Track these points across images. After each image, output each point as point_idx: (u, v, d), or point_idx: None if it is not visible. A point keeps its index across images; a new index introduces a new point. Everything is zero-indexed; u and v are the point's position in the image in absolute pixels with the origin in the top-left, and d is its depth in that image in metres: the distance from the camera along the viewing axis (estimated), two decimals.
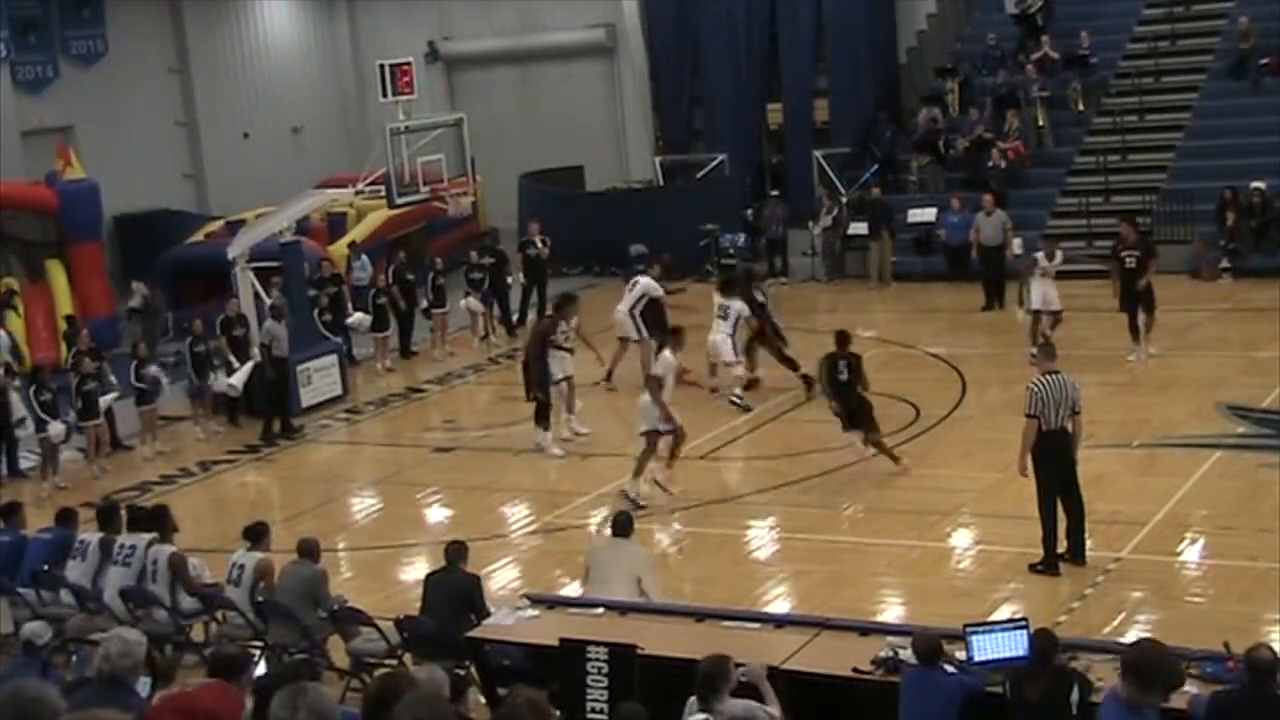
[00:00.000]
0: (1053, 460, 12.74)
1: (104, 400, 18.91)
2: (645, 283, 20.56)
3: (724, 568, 13.96)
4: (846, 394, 15.93)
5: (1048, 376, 12.75)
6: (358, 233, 27.69)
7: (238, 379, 20.15)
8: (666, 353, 16.91)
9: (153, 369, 19.55)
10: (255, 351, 20.29)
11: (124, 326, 24.48)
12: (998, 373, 19.64)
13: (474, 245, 25.43)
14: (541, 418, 17.83)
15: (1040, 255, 20.07)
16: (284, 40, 34.90)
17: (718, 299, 19.61)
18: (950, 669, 8.94)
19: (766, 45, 31.93)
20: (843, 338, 16.25)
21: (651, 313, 20.34)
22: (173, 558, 12.32)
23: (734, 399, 19.11)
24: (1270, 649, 8.26)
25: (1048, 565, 12.79)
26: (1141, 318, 19.42)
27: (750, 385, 19.52)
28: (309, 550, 11.92)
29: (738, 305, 19.32)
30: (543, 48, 34.26)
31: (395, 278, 23.82)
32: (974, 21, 30.83)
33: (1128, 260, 19.32)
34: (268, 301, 21.17)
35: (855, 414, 15.96)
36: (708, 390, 19.52)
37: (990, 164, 26.33)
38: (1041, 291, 19.80)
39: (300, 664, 8.26)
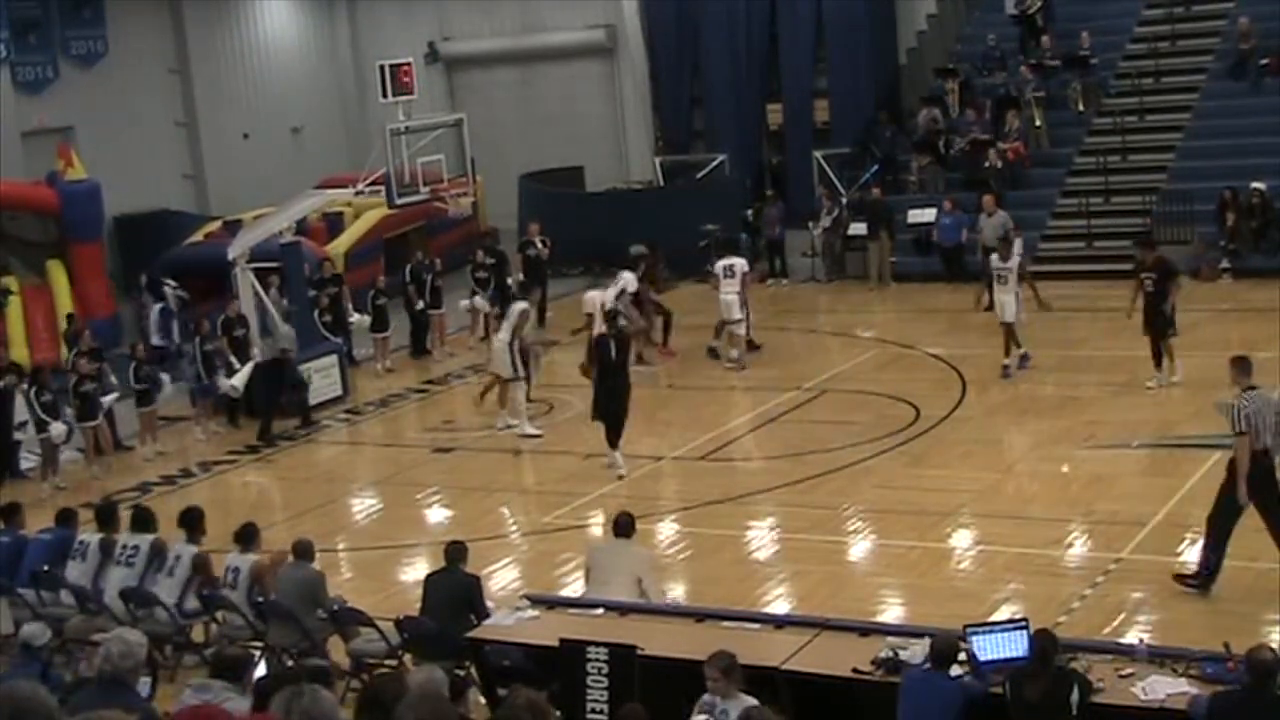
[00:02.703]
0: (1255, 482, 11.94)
1: (105, 401, 18.91)
2: (627, 276, 21.34)
3: (724, 568, 13.96)
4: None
5: (1250, 392, 11.99)
6: (351, 233, 27.67)
7: (239, 380, 20.15)
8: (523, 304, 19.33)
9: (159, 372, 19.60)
10: (255, 352, 20.32)
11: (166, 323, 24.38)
12: (998, 373, 19.63)
13: (479, 245, 25.44)
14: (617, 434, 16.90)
15: (994, 257, 19.68)
16: (284, 40, 34.89)
17: (720, 261, 21.57)
18: (956, 672, 8.93)
19: (766, 45, 31.91)
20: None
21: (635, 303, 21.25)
22: (198, 557, 12.39)
23: (729, 360, 21.12)
24: (1271, 650, 8.27)
25: (1201, 582, 12.20)
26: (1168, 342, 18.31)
27: (752, 347, 21.54)
28: (304, 552, 11.94)
29: (740, 263, 21.46)
30: (543, 48, 34.26)
31: (412, 277, 23.83)
32: (974, 22, 30.83)
33: (1146, 283, 18.26)
34: (268, 306, 21.19)
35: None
36: (712, 351, 21.48)
37: (987, 164, 26.33)
38: (1001, 300, 19.31)
39: (308, 668, 8.22)
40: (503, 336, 18.67)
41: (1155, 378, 18.19)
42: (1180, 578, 12.30)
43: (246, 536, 12.30)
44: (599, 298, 20.63)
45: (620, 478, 16.50)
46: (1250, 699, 8.09)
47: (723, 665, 8.51)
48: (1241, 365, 12.36)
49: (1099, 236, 24.84)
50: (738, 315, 21.14)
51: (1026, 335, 19.70)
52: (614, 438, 16.73)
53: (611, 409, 16.66)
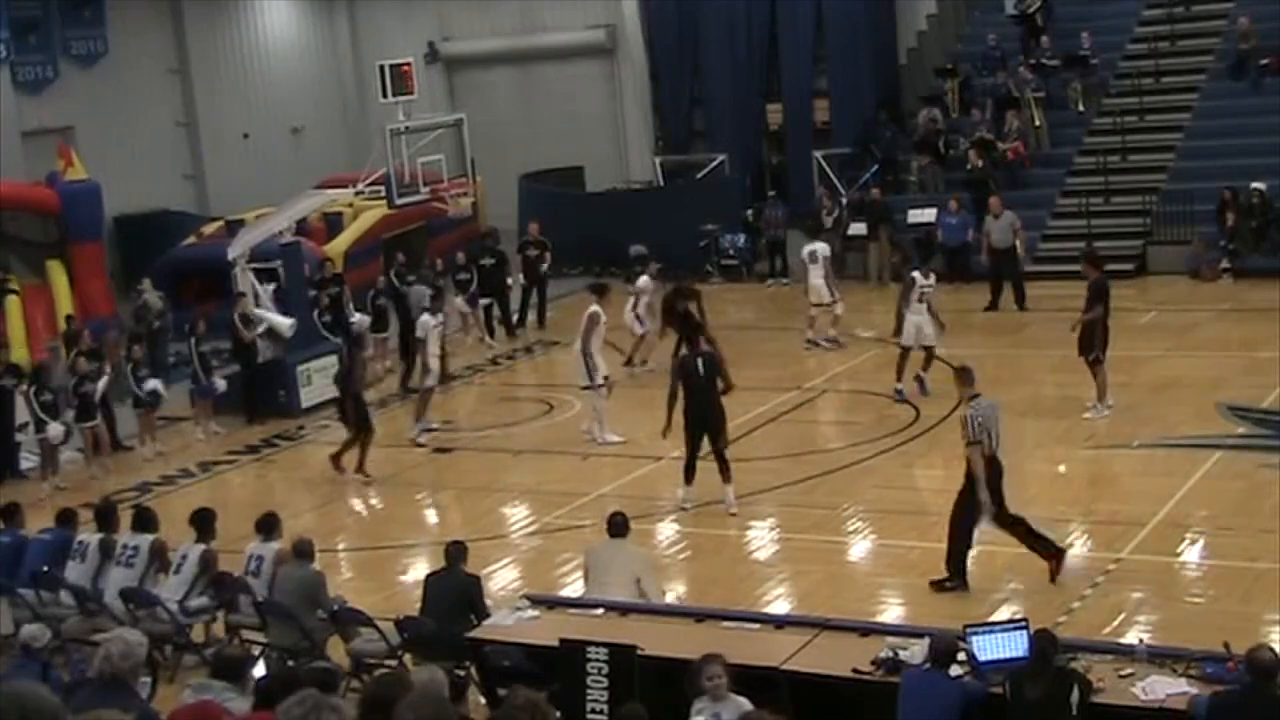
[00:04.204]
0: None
1: (99, 385, 18.84)
2: (643, 283, 21.48)
3: (724, 568, 13.96)
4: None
5: (976, 401, 12.63)
6: (350, 233, 27.65)
7: (287, 326, 20.69)
8: (425, 316, 19.27)
9: (154, 383, 19.60)
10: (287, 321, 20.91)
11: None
12: (997, 373, 19.59)
13: (463, 248, 25.48)
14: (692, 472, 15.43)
15: (917, 275, 18.82)
16: (284, 40, 34.89)
17: (805, 248, 22.26)
18: (956, 672, 8.93)
19: (766, 45, 31.93)
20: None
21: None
22: (206, 553, 12.44)
23: (825, 340, 21.69)
24: (1271, 650, 8.27)
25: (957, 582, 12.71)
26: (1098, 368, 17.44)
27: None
28: (304, 552, 11.95)
29: (822, 247, 22.05)
30: (543, 48, 34.25)
31: (397, 279, 23.85)
32: (974, 22, 30.84)
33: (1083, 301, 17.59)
34: (267, 306, 21.23)
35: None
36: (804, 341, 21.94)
37: (969, 166, 26.33)
38: (916, 323, 18.50)
39: (315, 671, 8.18)
40: (576, 343, 18.43)
41: (1094, 406, 17.39)
42: (936, 584, 12.69)
43: (268, 525, 12.39)
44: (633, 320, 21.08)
45: (733, 514, 15.09)
46: (1251, 698, 8.10)
47: (723, 664, 8.53)
48: (965, 375, 12.93)
49: (1099, 236, 24.83)
50: (829, 298, 21.68)
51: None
52: (723, 469, 15.24)
53: (708, 433, 15.20)
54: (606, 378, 18.18)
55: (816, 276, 21.77)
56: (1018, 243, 23.31)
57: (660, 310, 20.97)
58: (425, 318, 19.42)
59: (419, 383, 19.40)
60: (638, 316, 21.17)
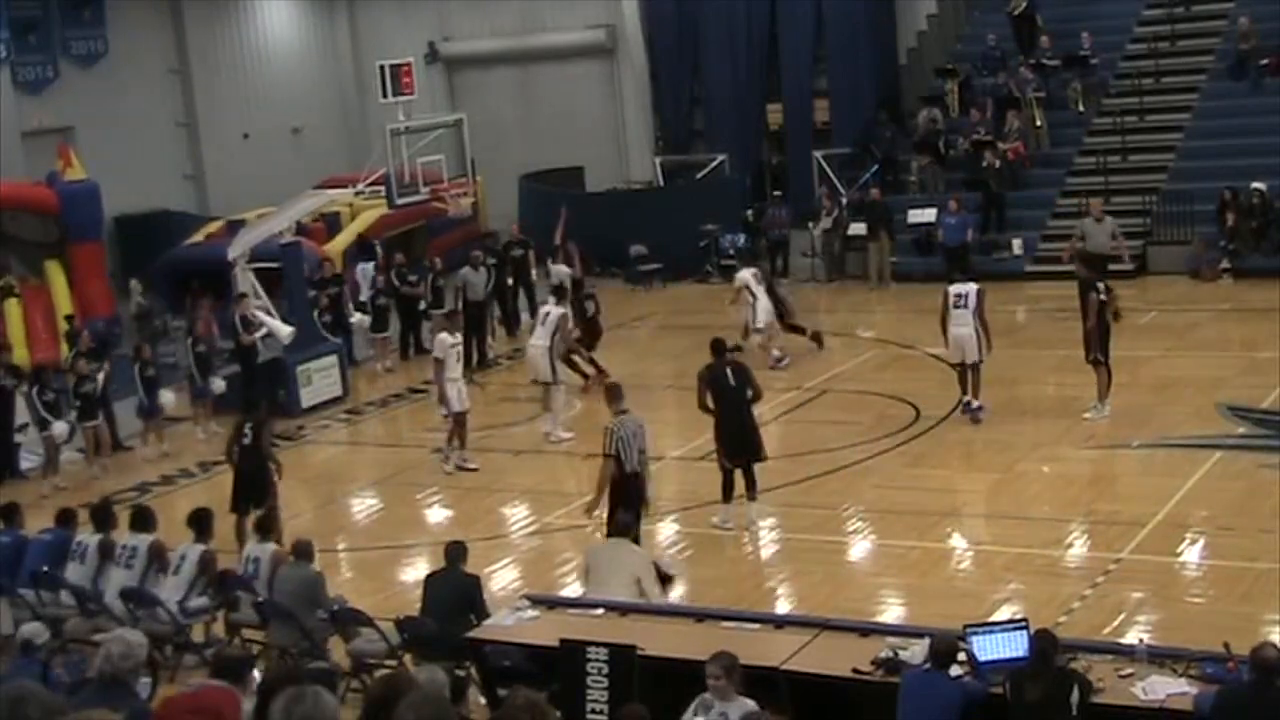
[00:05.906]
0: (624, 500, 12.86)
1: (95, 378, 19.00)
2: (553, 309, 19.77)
3: (724, 568, 13.96)
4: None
5: (621, 417, 13.05)
6: (347, 234, 27.64)
7: (286, 334, 20.72)
8: (444, 335, 17.76)
9: (168, 394, 19.76)
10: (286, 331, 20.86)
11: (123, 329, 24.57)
12: (998, 373, 19.59)
13: (480, 248, 25.53)
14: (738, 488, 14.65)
15: (950, 289, 17.90)
16: (284, 40, 34.90)
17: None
18: (956, 672, 8.92)
19: (766, 45, 31.94)
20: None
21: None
22: (205, 554, 12.44)
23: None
24: (1276, 647, 8.27)
25: None
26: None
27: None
28: (304, 552, 11.96)
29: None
30: (543, 48, 34.27)
31: (397, 278, 23.88)
32: (974, 22, 30.86)
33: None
34: (267, 305, 21.24)
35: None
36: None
37: (985, 164, 26.30)
38: (955, 336, 17.50)
39: (312, 670, 8.21)
40: (540, 341, 18.44)
41: (1095, 406, 17.23)
42: None
43: (265, 526, 12.41)
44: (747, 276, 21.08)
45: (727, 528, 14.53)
46: (1255, 695, 8.11)
47: (725, 665, 8.51)
48: (613, 392, 13.67)
49: None
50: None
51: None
52: (751, 485, 14.64)
53: (747, 450, 14.60)
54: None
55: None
56: (1113, 248, 22.47)
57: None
58: (443, 336, 17.76)
59: (441, 408, 17.81)
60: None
